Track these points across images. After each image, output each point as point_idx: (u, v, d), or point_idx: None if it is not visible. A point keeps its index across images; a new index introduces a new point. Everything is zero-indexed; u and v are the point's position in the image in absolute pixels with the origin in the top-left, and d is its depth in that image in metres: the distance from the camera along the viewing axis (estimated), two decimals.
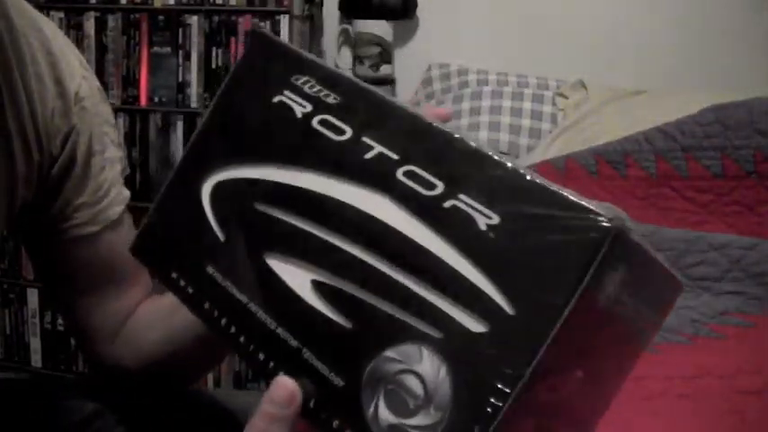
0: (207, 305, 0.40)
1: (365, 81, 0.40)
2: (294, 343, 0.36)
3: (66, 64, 0.61)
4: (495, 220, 0.32)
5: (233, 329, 0.39)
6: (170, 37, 2.02)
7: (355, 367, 0.33)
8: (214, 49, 2.00)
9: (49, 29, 0.61)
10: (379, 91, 0.39)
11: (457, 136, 0.35)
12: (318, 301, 0.36)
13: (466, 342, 0.31)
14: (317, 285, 0.36)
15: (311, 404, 0.35)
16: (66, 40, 0.63)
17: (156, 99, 2.05)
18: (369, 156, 0.37)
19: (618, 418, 0.74)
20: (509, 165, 0.33)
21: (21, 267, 2.18)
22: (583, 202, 0.31)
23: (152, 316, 0.67)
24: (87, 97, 0.63)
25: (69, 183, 0.62)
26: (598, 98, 1.73)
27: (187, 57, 2.01)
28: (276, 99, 0.41)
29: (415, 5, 1.95)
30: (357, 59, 1.93)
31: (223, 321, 0.39)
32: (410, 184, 0.35)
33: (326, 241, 0.36)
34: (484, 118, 1.76)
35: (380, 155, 0.36)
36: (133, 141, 2.08)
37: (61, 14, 2.07)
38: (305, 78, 0.41)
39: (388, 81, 1.92)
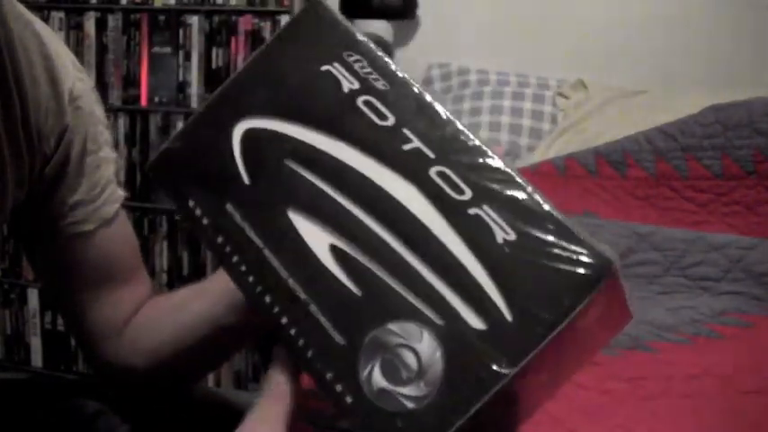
0: (220, 239, 0.42)
1: None
2: (303, 296, 0.39)
3: (61, 65, 0.62)
4: (512, 236, 0.36)
5: (243, 268, 0.41)
6: (170, 37, 2.02)
7: (358, 331, 0.37)
8: (214, 49, 2.00)
9: (45, 31, 0.62)
10: (426, 90, 0.41)
11: (492, 155, 0.39)
12: (334, 264, 0.39)
13: (464, 334, 0.35)
14: (335, 250, 0.39)
15: (309, 354, 0.38)
16: (60, 42, 0.64)
17: (157, 99, 2.05)
18: (406, 147, 0.40)
19: (617, 417, 0.74)
20: (531, 190, 0.37)
21: (21, 267, 2.18)
22: (589, 241, 0.35)
23: (158, 314, 0.67)
24: (82, 97, 0.63)
25: (64, 182, 0.63)
26: (598, 98, 1.73)
27: (187, 57, 2.02)
28: (324, 68, 0.43)
29: (416, 5, 1.96)
30: None
31: (235, 258, 0.41)
32: (441, 183, 0.38)
33: (351, 213, 0.39)
34: (484, 118, 1.76)
35: (418, 150, 0.39)
36: (133, 141, 2.08)
37: (61, 14, 2.07)
38: (357, 57, 0.43)
39: None
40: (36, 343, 2.20)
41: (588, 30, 1.88)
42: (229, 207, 0.42)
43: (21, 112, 0.58)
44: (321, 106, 0.42)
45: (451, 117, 0.40)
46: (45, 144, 0.61)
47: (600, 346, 0.41)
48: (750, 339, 0.94)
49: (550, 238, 0.36)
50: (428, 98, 0.41)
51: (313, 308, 0.38)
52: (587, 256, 0.35)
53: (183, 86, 2.03)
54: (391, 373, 0.36)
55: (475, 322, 0.35)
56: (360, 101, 0.41)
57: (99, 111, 0.66)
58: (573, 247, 0.35)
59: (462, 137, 0.39)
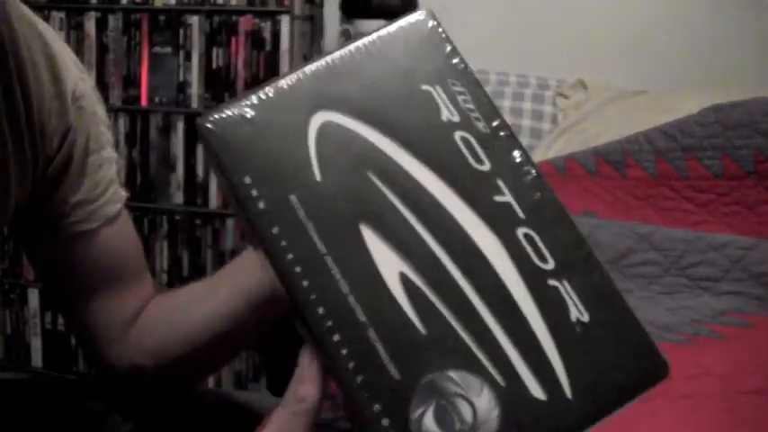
0: (276, 230, 0.38)
1: None
2: (362, 317, 0.37)
3: (63, 65, 0.62)
4: (585, 318, 0.37)
5: (298, 269, 0.37)
6: (170, 37, 2.02)
7: (417, 369, 0.36)
8: (215, 49, 2.01)
9: (47, 32, 0.62)
10: (526, 150, 0.41)
11: (579, 229, 0.39)
12: (402, 294, 0.37)
13: (523, 400, 0.36)
14: (405, 279, 0.37)
15: (358, 379, 0.36)
16: (62, 43, 0.64)
17: (157, 99, 2.05)
18: (498, 199, 0.39)
19: (617, 418, 0.74)
20: (607, 273, 0.38)
21: (21, 267, 2.18)
22: (653, 340, 0.38)
23: (166, 313, 0.67)
24: (84, 97, 0.63)
25: (66, 181, 0.63)
26: (598, 98, 1.73)
27: (188, 57, 2.02)
28: (425, 87, 0.40)
29: (416, 5, 1.96)
30: None
31: (290, 256, 0.37)
32: (526, 246, 0.38)
33: (429, 246, 0.38)
34: None
35: (509, 205, 0.39)
36: (133, 141, 2.08)
37: (62, 14, 2.07)
38: (461, 89, 0.41)
39: None
40: (36, 343, 2.21)
41: (588, 30, 1.88)
42: (294, 199, 0.38)
43: (24, 112, 0.58)
44: (415, 126, 0.39)
45: (546, 181, 0.40)
46: (48, 144, 0.61)
47: None
48: (750, 339, 0.94)
49: (621, 328, 0.37)
50: (526, 155, 0.40)
51: (372, 333, 0.36)
52: (651, 354, 0.38)
53: (183, 86, 2.03)
54: (444, 420, 0.35)
55: (536, 391, 0.36)
56: (457, 136, 0.40)
57: (101, 111, 0.66)
58: (639, 341, 0.37)
59: (554, 205, 0.39)
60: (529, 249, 0.38)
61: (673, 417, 0.74)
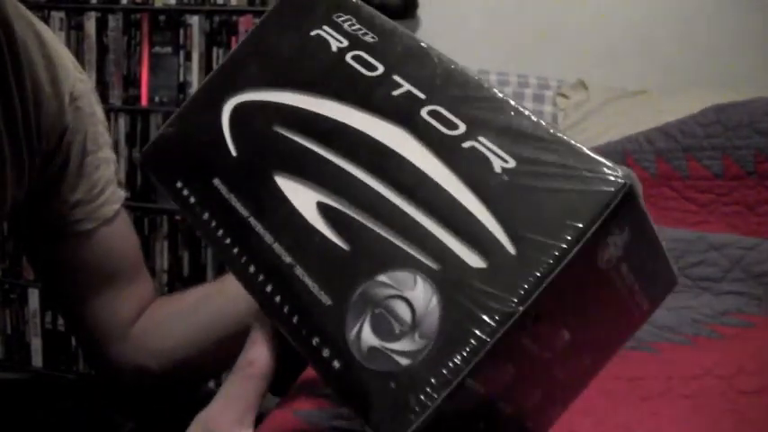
0: (206, 216, 0.40)
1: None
2: (288, 259, 0.36)
3: (62, 66, 0.62)
4: (511, 163, 0.32)
5: (228, 240, 0.38)
6: (171, 37, 2.02)
7: (346, 288, 0.33)
8: (215, 48, 2.01)
9: (46, 33, 0.62)
10: (416, 36, 0.40)
11: (484, 83, 0.36)
12: (321, 222, 0.36)
13: (462, 276, 0.31)
14: (322, 207, 0.36)
15: (294, 320, 0.35)
16: (60, 44, 0.65)
17: (157, 99, 2.05)
18: (396, 93, 0.37)
19: (617, 417, 0.74)
20: (529, 113, 0.34)
21: (21, 267, 2.18)
22: (598, 157, 0.31)
23: (171, 315, 0.68)
24: (82, 97, 0.63)
25: (64, 181, 0.63)
26: (599, 98, 1.73)
27: (188, 57, 2.02)
28: (314, 32, 0.41)
29: (416, 5, 1.96)
30: None
31: (220, 232, 0.39)
32: (433, 122, 0.35)
33: (338, 166, 0.37)
34: None
35: (408, 93, 0.37)
36: (134, 141, 2.08)
37: (62, 14, 2.07)
38: (346, 17, 0.41)
39: None
40: (36, 343, 2.21)
41: (588, 30, 1.88)
42: (216, 181, 0.40)
43: (21, 112, 0.59)
44: (310, 69, 0.40)
45: (443, 56, 0.38)
46: (45, 144, 0.61)
47: (641, 316, 0.36)
48: (751, 339, 0.94)
49: (555, 159, 0.31)
50: (417, 41, 0.39)
51: (299, 270, 0.35)
52: (599, 173, 0.30)
53: (183, 86, 2.03)
54: (382, 328, 0.31)
55: (474, 261, 0.31)
56: (349, 57, 0.39)
57: (99, 111, 0.67)
58: (583, 165, 0.31)
59: (453, 72, 0.37)
60: (435, 124, 0.35)
61: (673, 417, 0.74)
